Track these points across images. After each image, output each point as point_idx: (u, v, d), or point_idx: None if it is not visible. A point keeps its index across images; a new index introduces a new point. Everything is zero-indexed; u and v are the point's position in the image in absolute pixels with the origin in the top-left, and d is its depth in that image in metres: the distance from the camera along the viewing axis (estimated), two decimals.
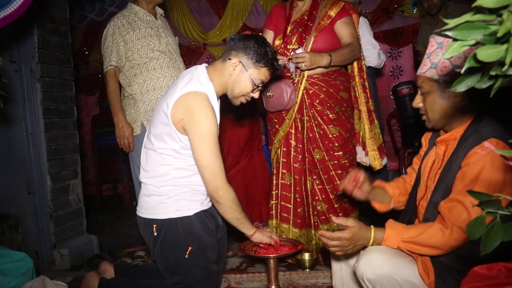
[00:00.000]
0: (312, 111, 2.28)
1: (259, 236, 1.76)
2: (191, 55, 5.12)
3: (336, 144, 2.27)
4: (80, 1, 5.27)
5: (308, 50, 2.21)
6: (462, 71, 0.63)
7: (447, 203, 1.28)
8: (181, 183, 1.69)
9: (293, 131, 2.33)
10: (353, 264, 1.46)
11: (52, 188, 2.69)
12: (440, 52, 1.29)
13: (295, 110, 2.30)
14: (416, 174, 1.57)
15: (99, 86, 5.43)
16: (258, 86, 1.72)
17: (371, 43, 3.01)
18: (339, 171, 2.27)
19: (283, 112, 2.34)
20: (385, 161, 2.45)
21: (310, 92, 2.27)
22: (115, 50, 2.39)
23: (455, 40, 0.59)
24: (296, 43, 2.27)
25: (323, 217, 2.30)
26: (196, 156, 1.62)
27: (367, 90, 2.42)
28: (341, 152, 2.28)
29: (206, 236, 1.70)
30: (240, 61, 1.68)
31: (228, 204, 1.64)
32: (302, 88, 2.27)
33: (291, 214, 2.36)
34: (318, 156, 2.29)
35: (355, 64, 2.40)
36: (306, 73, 2.26)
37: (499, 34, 0.55)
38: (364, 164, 2.44)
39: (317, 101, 2.27)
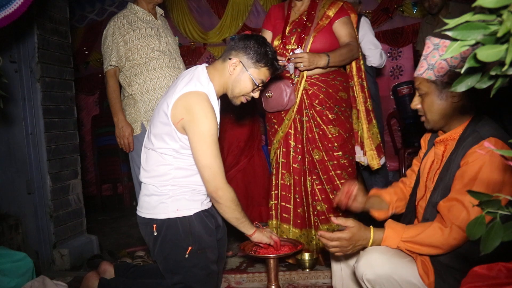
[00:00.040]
0: (311, 112, 2.28)
1: (259, 236, 1.76)
2: (191, 55, 5.12)
3: (336, 144, 2.27)
4: (80, 1, 5.27)
5: (307, 51, 2.21)
6: (462, 71, 0.63)
7: (446, 202, 1.28)
8: (181, 183, 1.69)
9: (292, 132, 2.33)
10: (353, 264, 1.46)
11: (52, 188, 2.69)
12: (437, 53, 1.29)
13: (295, 110, 2.29)
14: (415, 176, 1.57)
15: (99, 86, 5.43)
16: (258, 86, 1.73)
17: (373, 43, 3.01)
18: (338, 171, 2.27)
19: (282, 112, 2.34)
20: (383, 160, 2.45)
21: (310, 92, 2.27)
22: (115, 50, 2.39)
23: (455, 40, 0.59)
24: (295, 44, 2.27)
25: (323, 217, 2.30)
26: (196, 156, 1.62)
27: (366, 89, 2.42)
28: (340, 152, 2.28)
29: (206, 236, 1.70)
30: (240, 61, 1.68)
31: (228, 204, 1.64)
32: (301, 88, 2.27)
33: (291, 214, 2.36)
34: (317, 156, 2.29)
35: (353, 64, 2.39)
36: (305, 74, 2.26)
37: (499, 34, 0.55)
38: (362, 164, 2.44)
39: (317, 101, 2.27)
